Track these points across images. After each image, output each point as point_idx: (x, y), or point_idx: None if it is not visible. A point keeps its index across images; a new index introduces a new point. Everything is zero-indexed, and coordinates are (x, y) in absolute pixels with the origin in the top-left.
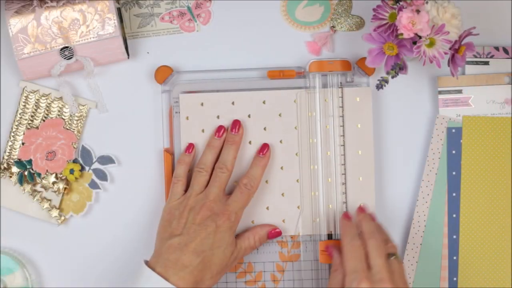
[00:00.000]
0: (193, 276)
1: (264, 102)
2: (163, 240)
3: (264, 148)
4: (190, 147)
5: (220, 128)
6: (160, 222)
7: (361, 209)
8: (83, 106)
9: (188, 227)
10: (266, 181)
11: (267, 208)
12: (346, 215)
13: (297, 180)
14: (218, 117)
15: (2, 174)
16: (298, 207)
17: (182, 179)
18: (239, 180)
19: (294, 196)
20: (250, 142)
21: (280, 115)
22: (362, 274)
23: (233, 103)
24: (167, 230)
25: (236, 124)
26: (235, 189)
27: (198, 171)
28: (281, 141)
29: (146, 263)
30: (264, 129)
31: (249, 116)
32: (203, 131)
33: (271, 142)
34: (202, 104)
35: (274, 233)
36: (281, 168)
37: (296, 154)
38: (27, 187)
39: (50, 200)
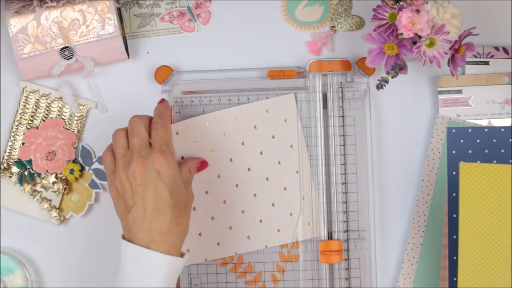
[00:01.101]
0: (175, 232)
1: (237, 117)
2: (125, 216)
3: (161, 100)
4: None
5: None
6: (113, 201)
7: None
8: (83, 106)
9: (135, 190)
10: (255, 195)
11: (260, 221)
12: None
13: (285, 188)
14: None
15: (2, 174)
16: (291, 214)
17: (109, 151)
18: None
19: (285, 204)
20: (231, 159)
21: (255, 127)
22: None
23: (206, 125)
24: (122, 204)
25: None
26: (150, 133)
27: (114, 134)
28: (261, 153)
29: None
30: (242, 143)
31: (225, 134)
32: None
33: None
34: (177, 133)
35: (201, 166)
36: (266, 179)
37: (279, 162)
38: (27, 187)
39: (50, 200)
